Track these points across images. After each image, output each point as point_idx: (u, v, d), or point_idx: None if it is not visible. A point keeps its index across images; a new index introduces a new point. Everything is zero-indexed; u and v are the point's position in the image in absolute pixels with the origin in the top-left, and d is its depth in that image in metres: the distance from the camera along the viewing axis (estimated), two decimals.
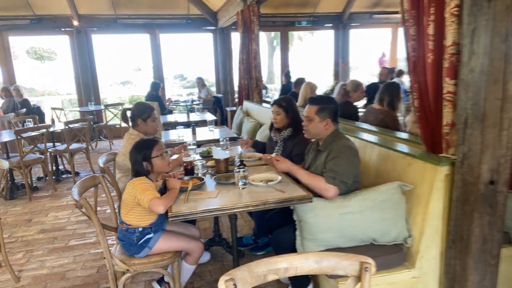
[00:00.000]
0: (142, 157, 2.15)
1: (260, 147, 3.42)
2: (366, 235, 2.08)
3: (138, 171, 2.17)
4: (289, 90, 7.19)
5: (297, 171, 2.22)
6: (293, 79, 8.68)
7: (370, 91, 5.78)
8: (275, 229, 2.42)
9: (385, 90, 3.65)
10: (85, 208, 2.06)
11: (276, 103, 3.05)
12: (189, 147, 3.17)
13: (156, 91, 7.35)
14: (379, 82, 6.17)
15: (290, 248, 2.16)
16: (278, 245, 2.30)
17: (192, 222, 2.91)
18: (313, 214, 2.06)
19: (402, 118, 4.14)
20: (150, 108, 3.05)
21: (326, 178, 2.10)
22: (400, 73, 7.76)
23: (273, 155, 2.46)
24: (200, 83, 8.89)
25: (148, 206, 2.02)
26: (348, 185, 2.12)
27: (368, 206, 2.05)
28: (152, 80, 7.87)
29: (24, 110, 7.02)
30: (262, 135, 4.43)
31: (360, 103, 5.72)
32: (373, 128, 3.15)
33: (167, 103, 8.04)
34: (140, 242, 2.17)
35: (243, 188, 2.17)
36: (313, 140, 2.49)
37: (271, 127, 3.19)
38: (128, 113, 3.20)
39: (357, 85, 4.21)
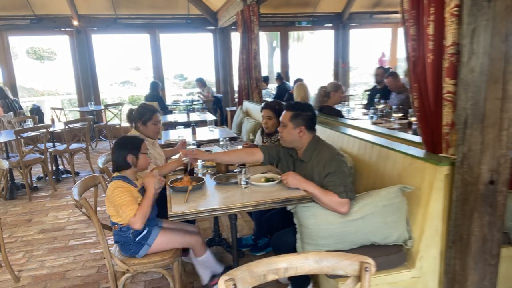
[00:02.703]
0: (128, 152, 2.17)
1: None
2: (367, 239, 2.07)
3: (119, 166, 2.18)
4: (284, 90, 7.20)
5: (307, 187, 2.09)
6: (292, 80, 8.71)
7: (372, 95, 5.80)
8: (274, 230, 2.42)
9: None
10: (85, 208, 2.06)
11: (269, 107, 2.97)
12: (189, 147, 3.17)
13: (156, 91, 7.35)
14: (375, 82, 6.16)
15: (290, 250, 2.15)
16: (278, 248, 2.29)
17: (192, 222, 2.91)
18: (314, 221, 2.04)
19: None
20: (151, 111, 2.97)
21: (338, 194, 2.05)
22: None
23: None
24: (200, 83, 8.86)
25: (129, 224, 2.08)
26: (353, 192, 2.13)
27: (369, 211, 2.04)
28: (152, 80, 7.87)
29: (22, 110, 7.03)
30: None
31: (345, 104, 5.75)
32: (372, 128, 3.15)
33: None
34: (137, 239, 2.17)
35: (245, 187, 2.17)
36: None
37: (262, 131, 3.12)
38: None
39: (337, 86, 4.22)
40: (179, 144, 3.14)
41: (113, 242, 2.26)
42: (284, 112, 2.29)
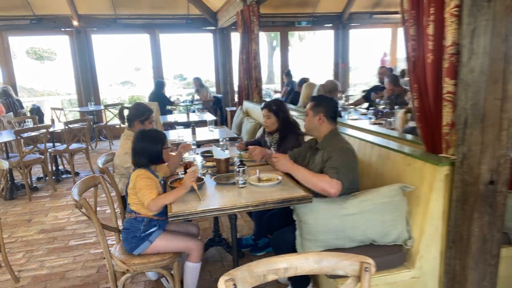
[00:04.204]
0: (160, 147, 2.24)
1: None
2: (366, 236, 2.08)
3: (140, 162, 2.21)
4: (292, 89, 7.19)
5: (297, 171, 2.17)
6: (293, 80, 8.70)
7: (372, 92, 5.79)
8: (274, 230, 2.42)
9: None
10: (85, 208, 2.06)
11: (266, 106, 3.04)
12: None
13: (161, 90, 7.38)
14: (379, 81, 6.16)
15: (290, 249, 2.16)
16: (278, 246, 2.30)
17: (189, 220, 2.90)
18: (313, 216, 2.05)
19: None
20: (149, 111, 3.03)
21: (329, 173, 2.08)
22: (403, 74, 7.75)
23: (271, 151, 2.50)
24: (197, 82, 8.81)
25: (147, 206, 2.08)
26: (349, 181, 2.12)
27: (368, 208, 2.04)
28: (157, 79, 7.91)
29: (23, 110, 7.02)
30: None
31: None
32: (372, 128, 3.16)
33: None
34: (143, 235, 2.19)
35: (242, 187, 2.17)
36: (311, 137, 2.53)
37: (264, 130, 3.17)
38: (126, 112, 3.18)
39: (336, 85, 4.32)
40: (180, 148, 3.07)
41: (113, 242, 2.26)
42: (308, 103, 2.46)
